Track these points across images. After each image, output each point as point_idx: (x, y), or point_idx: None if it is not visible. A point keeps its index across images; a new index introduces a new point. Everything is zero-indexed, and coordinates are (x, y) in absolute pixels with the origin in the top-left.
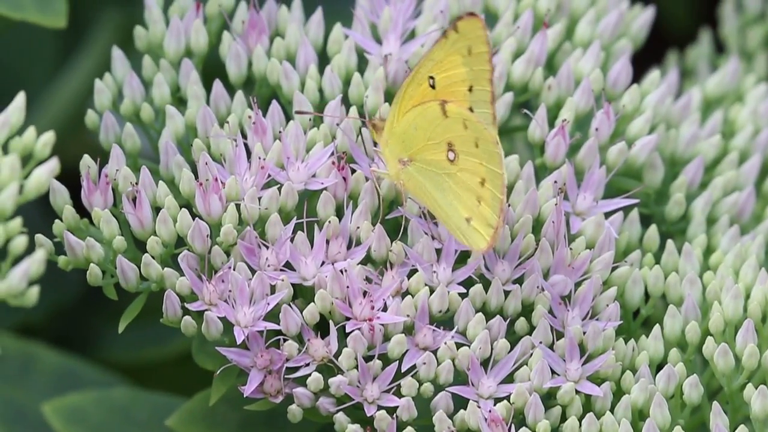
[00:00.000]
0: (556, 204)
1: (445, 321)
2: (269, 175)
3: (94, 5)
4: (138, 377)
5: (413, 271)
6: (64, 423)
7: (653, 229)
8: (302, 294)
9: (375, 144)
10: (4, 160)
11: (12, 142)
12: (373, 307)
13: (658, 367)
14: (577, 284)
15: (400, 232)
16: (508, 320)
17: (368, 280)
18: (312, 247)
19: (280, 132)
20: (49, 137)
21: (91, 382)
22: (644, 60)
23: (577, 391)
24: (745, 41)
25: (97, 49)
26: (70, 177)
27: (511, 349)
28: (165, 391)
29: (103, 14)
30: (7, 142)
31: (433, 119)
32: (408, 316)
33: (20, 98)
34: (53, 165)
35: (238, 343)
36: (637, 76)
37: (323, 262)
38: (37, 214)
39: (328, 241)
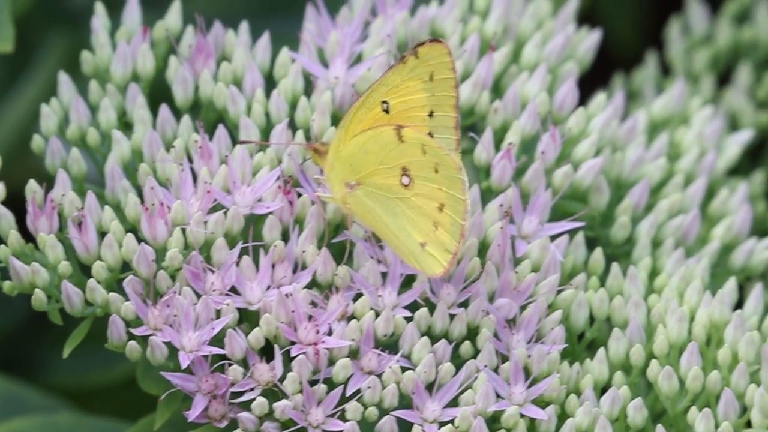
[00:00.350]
0: (501, 227)
1: (390, 345)
2: (215, 200)
3: (39, 29)
4: (83, 402)
5: (359, 295)
6: None
7: (598, 251)
8: (247, 318)
9: (321, 170)
10: None
11: None
12: (318, 331)
13: (602, 390)
14: (522, 307)
15: (346, 256)
16: (453, 344)
17: (314, 304)
18: (257, 271)
19: (226, 156)
20: None
21: (35, 407)
22: (590, 82)
23: (521, 415)
24: (691, 64)
25: (43, 73)
26: (15, 201)
27: (456, 372)
28: (110, 415)
29: (49, 38)
30: None
31: (386, 144)
32: (353, 340)
33: None
34: None
35: (182, 367)
36: (584, 98)
37: (269, 287)
38: None
39: (273, 266)
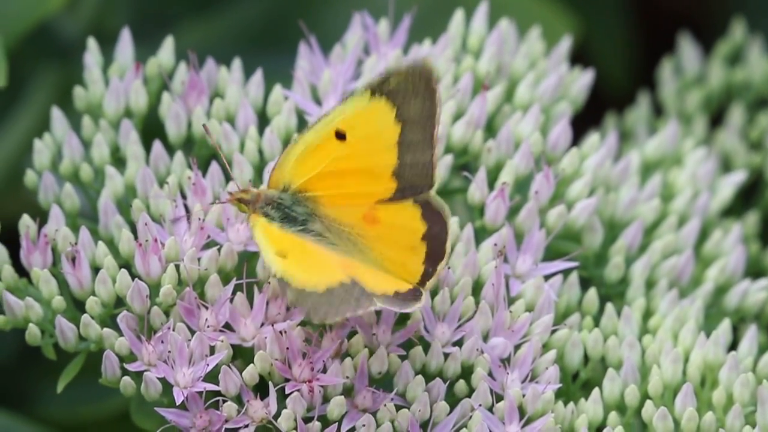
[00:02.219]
0: (495, 266)
1: (384, 383)
2: (209, 236)
3: (30, 63)
4: None
5: (353, 333)
6: None
7: (592, 292)
8: (242, 355)
9: None
10: None
11: None
12: (312, 369)
13: (597, 430)
14: (517, 347)
15: None
16: (447, 382)
17: (308, 341)
18: (252, 308)
19: (219, 193)
20: None
21: None
22: (582, 121)
23: None
24: (683, 104)
25: (34, 107)
26: (6, 235)
27: (451, 411)
28: None
29: (40, 72)
30: None
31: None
32: (347, 377)
33: None
34: None
35: (177, 403)
36: (576, 137)
37: (263, 323)
38: None
39: (267, 303)
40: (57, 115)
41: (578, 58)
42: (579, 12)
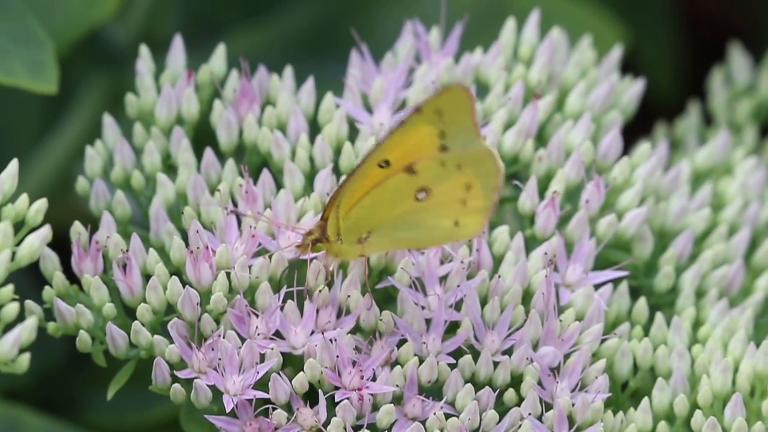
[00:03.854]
0: (546, 275)
1: (434, 391)
2: (260, 244)
3: (80, 69)
4: None
5: (403, 341)
6: None
7: (642, 301)
8: (291, 363)
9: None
10: None
11: (4, 209)
12: (362, 377)
13: None
14: (567, 356)
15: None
16: (497, 391)
17: (357, 349)
18: (302, 316)
19: (271, 200)
20: (41, 204)
21: None
22: (632, 131)
23: None
24: (733, 114)
25: (84, 114)
26: (56, 242)
27: (500, 420)
28: None
29: (89, 79)
30: None
31: (397, 188)
32: (397, 386)
33: (13, 165)
34: (45, 232)
35: (227, 411)
36: (625, 146)
37: (313, 331)
38: (22, 279)
39: (318, 310)
40: (109, 122)
41: (627, 67)
42: (628, 21)
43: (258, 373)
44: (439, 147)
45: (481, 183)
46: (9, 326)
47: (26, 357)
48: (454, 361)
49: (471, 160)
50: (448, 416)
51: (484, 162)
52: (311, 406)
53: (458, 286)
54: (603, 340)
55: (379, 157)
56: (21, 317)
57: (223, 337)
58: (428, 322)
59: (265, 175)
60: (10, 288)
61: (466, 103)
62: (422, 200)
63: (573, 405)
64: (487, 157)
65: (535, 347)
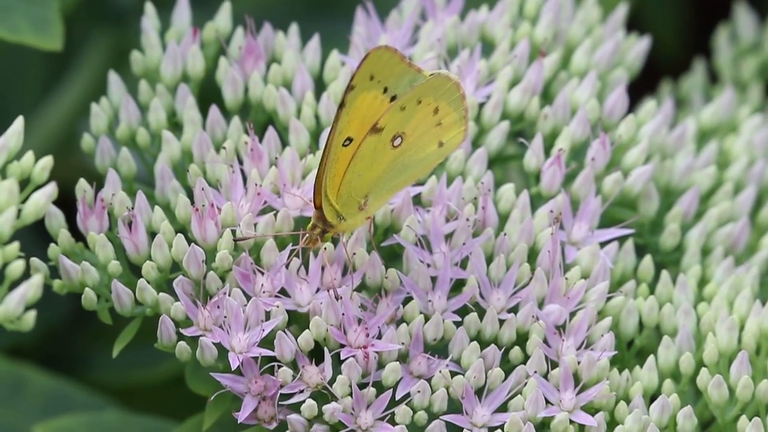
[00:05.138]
0: (551, 233)
1: (439, 349)
2: (265, 201)
3: (83, 27)
4: (125, 399)
5: (408, 299)
6: None
7: (648, 259)
8: (297, 321)
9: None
10: (2, 184)
11: (10, 167)
12: (367, 335)
13: (651, 397)
14: (572, 314)
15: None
16: (502, 349)
17: (363, 307)
18: (307, 273)
19: (276, 158)
20: (47, 161)
21: (81, 404)
22: (636, 89)
23: (571, 421)
24: (739, 72)
25: (87, 72)
26: (58, 200)
27: (506, 378)
28: (152, 413)
29: (93, 37)
30: (5, 167)
31: (372, 149)
32: (402, 343)
33: (18, 123)
34: (51, 189)
35: (232, 369)
36: (630, 105)
37: (318, 289)
38: (26, 237)
39: (323, 268)
40: (114, 79)
41: (631, 25)
42: None
43: (263, 330)
44: (389, 100)
45: (445, 101)
46: (14, 284)
47: (32, 314)
48: (460, 319)
49: (425, 90)
50: (453, 374)
51: (438, 85)
52: (317, 364)
53: (464, 243)
54: (608, 298)
55: (340, 140)
56: (26, 275)
57: (229, 295)
58: (434, 279)
59: (271, 133)
60: (15, 245)
61: (391, 56)
62: (400, 145)
63: (579, 363)
64: (438, 80)
65: (540, 305)
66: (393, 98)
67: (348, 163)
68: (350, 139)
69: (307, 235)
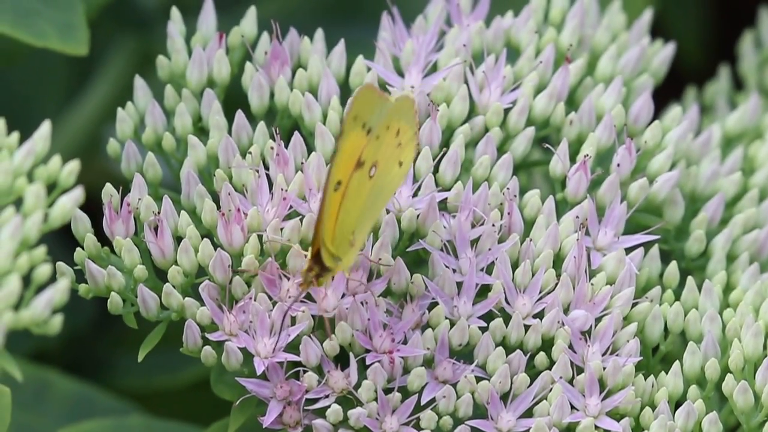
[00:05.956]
0: (577, 239)
1: (464, 354)
2: (291, 206)
3: (107, 32)
4: (148, 404)
5: (434, 304)
6: None
7: (673, 265)
8: (323, 326)
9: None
10: (30, 188)
11: (37, 171)
12: (393, 340)
13: (676, 403)
14: (598, 320)
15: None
16: (528, 355)
17: (389, 312)
18: (333, 278)
19: (302, 163)
20: (74, 166)
21: (105, 409)
22: (657, 96)
23: (596, 427)
24: (763, 78)
25: (110, 77)
26: (82, 205)
27: (531, 383)
28: (175, 418)
29: (117, 41)
30: (32, 171)
31: (356, 186)
32: (428, 349)
33: (45, 126)
34: (78, 194)
35: (258, 373)
36: (654, 111)
37: (344, 294)
38: (51, 242)
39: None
40: (140, 84)
41: (653, 33)
42: None
43: (289, 335)
44: (366, 133)
45: (404, 121)
46: (41, 288)
47: (59, 318)
48: (485, 325)
49: (392, 115)
50: (479, 379)
51: (401, 107)
52: (342, 369)
53: (489, 249)
54: (634, 304)
55: (332, 186)
56: (51, 280)
57: (254, 300)
58: (459, 285)
59: (297, 138)
60: (42, 249)
61: (372, 93)
62: (375, 174)
63: (604, 369)
64: (401, 102)
65: (566, 311)
66: (369, 131)
67: (339, 205)
68: (339, 183)
69: (303, 277)
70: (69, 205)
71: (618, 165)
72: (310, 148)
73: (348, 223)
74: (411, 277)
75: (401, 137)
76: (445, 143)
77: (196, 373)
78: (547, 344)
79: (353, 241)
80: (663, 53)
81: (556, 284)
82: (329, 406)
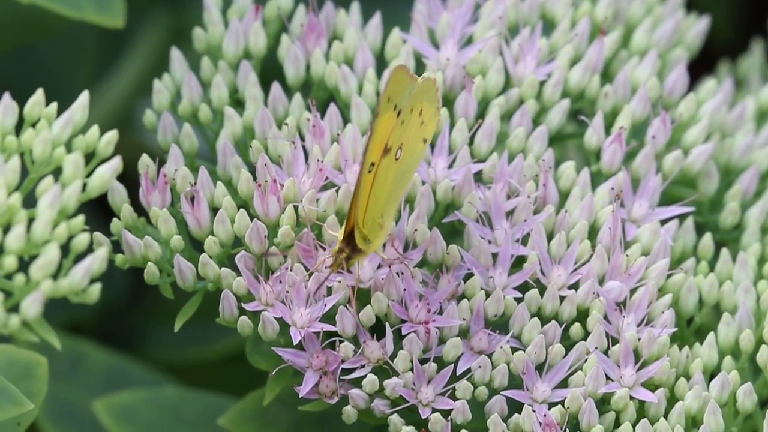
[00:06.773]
0: (612, 210)
1: (500, 325)
2: (327, 178)
3: (140, 6)
4: (182, 376)
5: (469, 275)
6: (116, 421)
7: (708, 237)
8: (359, 296)
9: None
10: (68, 157)
11: (75, 140)
12: (429, 310)
13: (711, 374)
14: (633, 291)
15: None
16: (563, 325)
17: (424, 283)
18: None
19: (338, 135)
20: (112, 135)
21: (139, 380)
22: (689, 70)
23: (631, 397)
24: None
25: (144, 50)
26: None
27: (566, 354)
28: (208, 390)
29: (150, 15)
30: (70, 140)
31: (384, 170)
32: (463, 319)
33: (84, 96)
34: (116, 163)
35: (294, 343)
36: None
37: (380, 265)
38: (87, 213)
39: (384, 244)
40: (176, 55)
41: (686, 7)
42: None
43: (325, 305)
44: (396, 116)
45: (427, 101)
46: (79, 257)
47: (97, 287)
48: (521, 296)
49: (417, 96)
50: (514, 350)
51: (425, 89)
52: (378, 339)
53: (525, 220)
54: (669, 276)
55: (366, 167)
56: (88, 250)
57: (290, 270)
58: (495, 256)
59: (332, 110)
60: (80, 218)
61: (404, 74)
62: (400, 156)
63: (639, 339)
64: (425, 84)
65: (601, 282)
66: (399, 113)
67: (370, 188)
68: (373, 164)
69: (333, 258)
70: (108, 174)
71: (653, 137)
72: (345, 120)
73: (377, 206)
74: (447, 247)
75: (424, 115)
76: (481, 115)
77: (229, 345)
78: (582, 315)
79: (382, 223)
80: (697, 27)
81: (591, 255)
82: (365, 376)
